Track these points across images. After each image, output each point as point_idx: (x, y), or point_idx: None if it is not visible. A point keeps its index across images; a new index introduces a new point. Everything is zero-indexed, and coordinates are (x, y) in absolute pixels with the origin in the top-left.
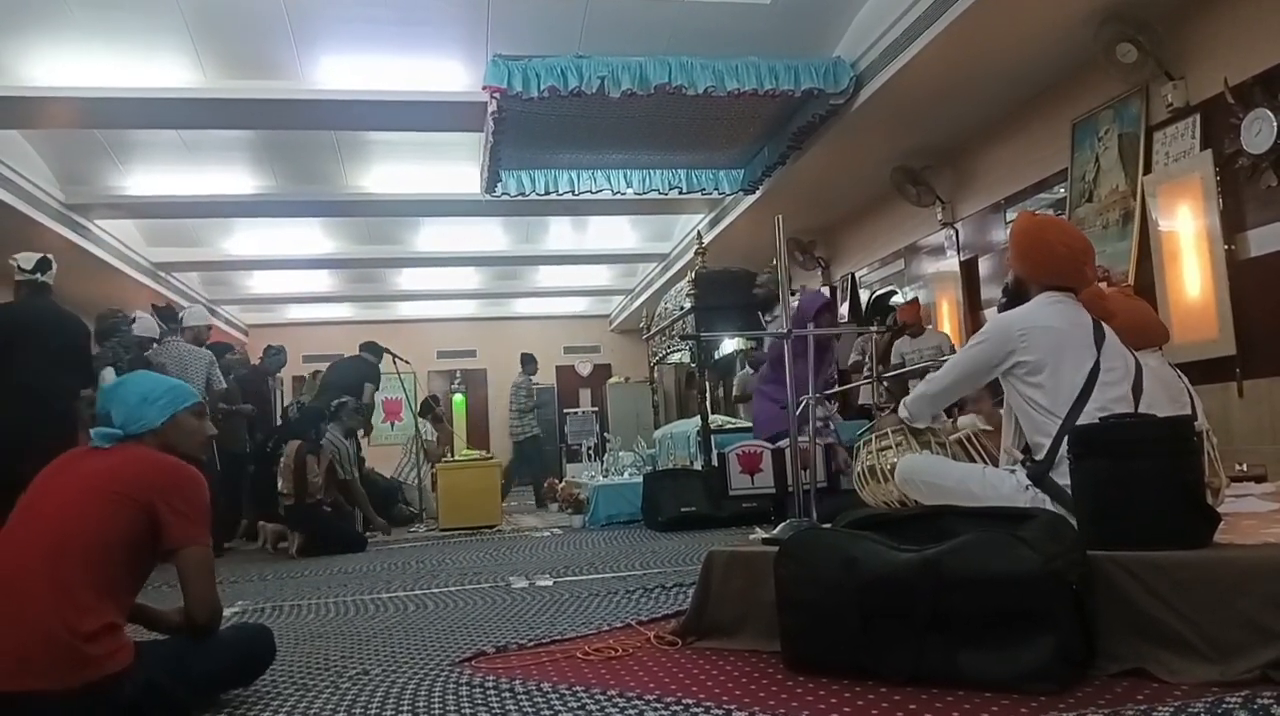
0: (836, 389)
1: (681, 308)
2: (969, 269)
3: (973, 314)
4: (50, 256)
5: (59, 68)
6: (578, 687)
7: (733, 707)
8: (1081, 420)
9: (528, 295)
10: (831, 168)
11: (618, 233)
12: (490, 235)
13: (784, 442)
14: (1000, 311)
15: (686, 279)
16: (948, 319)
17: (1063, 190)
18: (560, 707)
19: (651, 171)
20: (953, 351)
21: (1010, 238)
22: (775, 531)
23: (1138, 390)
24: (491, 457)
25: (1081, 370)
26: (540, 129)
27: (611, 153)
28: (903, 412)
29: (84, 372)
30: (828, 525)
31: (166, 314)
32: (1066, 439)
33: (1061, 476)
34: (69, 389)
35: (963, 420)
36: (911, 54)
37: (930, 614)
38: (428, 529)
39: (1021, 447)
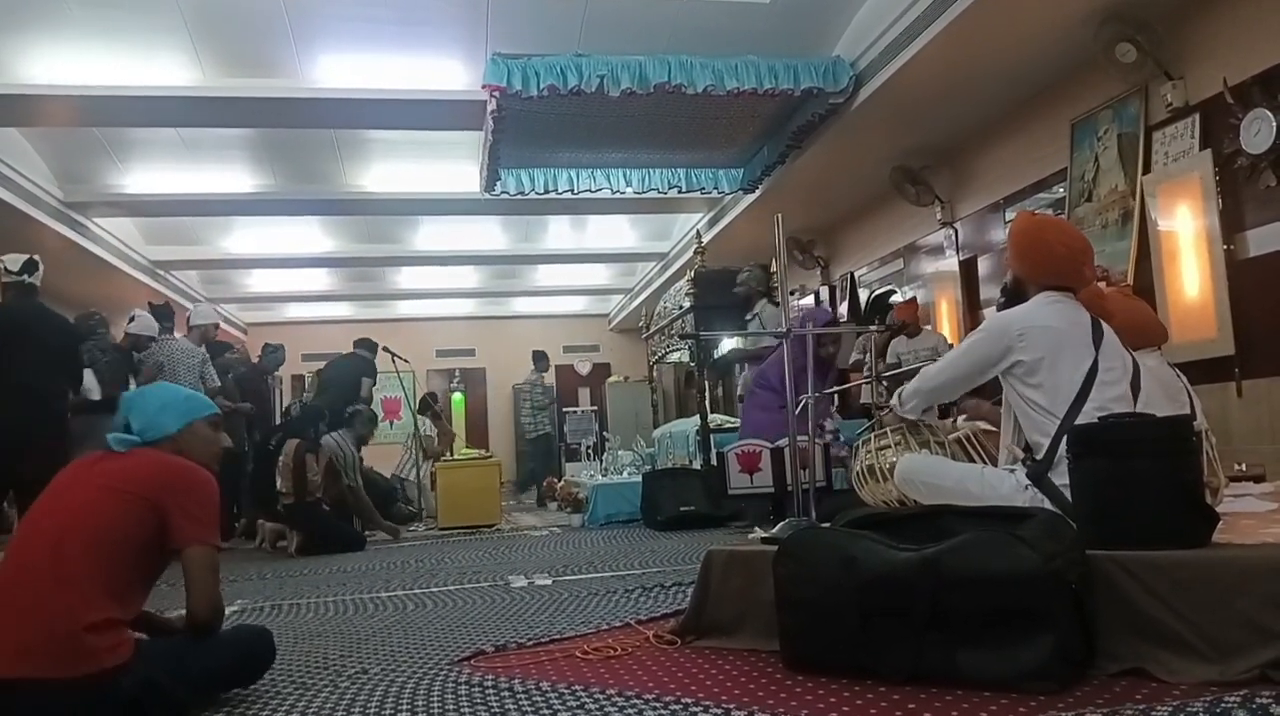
0: (836, 388)
1: (680, 307)
2: (968, 268)
3: (972, 313)
4: (37, 258)
5: (58, 65)
6: (577, 687)
7: (732, 707)
8: (1080, 420)
9: (527, 294)
10: (831, 167)
11: (617, 232)
12: (489, 234)
13: (783, 442)
14: (999, 311)
15: (686, 278)
16: (947, 319)
17: (1062, 190)
18: (559, 707)
19: (651, 170)
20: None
21: (1009, 237)
22: (774, 530)
23: (1135, 389)
24: (491, 457)
25: (1080, 370)
26: (539, 128)
27: (611, 152)
28: (893, 402)
29: (76, 374)
30: (827, 524)
31: (163, 312)
32: (1065, 438)
33: (1060, 476)
34: (62, 389)
35: (965, 415)
36: (911, 53)
37: (929, 613)
38: (427, 528)
39: (1022, 445)
